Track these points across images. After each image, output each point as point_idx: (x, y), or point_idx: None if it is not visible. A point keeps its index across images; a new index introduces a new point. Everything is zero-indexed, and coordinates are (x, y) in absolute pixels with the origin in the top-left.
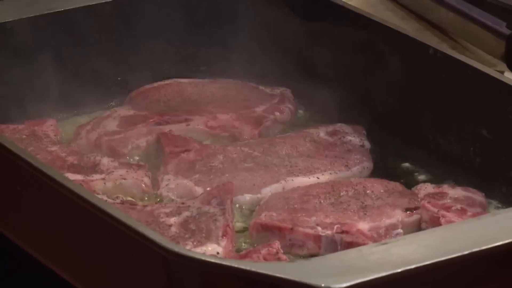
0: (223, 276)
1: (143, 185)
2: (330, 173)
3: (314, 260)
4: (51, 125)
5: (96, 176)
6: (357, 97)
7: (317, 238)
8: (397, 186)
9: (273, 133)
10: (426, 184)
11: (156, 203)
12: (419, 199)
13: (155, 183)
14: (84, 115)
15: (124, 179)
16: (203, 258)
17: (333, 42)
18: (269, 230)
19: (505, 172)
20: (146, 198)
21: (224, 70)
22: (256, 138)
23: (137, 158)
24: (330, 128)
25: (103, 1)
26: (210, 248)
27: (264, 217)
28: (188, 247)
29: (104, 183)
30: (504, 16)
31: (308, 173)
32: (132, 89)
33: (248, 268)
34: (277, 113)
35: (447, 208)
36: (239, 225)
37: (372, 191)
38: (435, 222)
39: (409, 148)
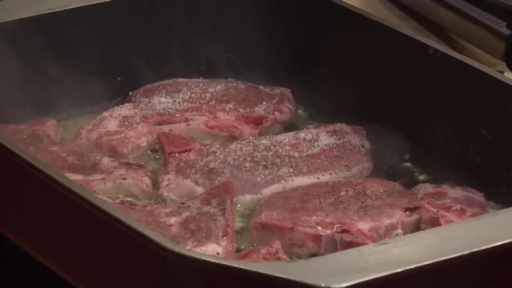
0: (223, 276)
1: (143, 185)
2: (330, 173)
3: (314, 260)
4: (52, 125)
5: (96, 176)
6: (357, 97)
7: (317, 238)
8: (396, 186)
9: (273, 133)
10: (426, 184)
11: (156, 203)
12: (419, 199)
13: (155, 183)
14: (84, 115)
15: (124, 179)
16: (203, 258)
17: (333, 42)
18: (269, 230)
19: (505, 172)
20: (146, 198)
21: (224, 70)
22: (256, 138)
23: (137, 158)
24: (330, 128)
25: (103, 1)
26: (210, 248)
27: (264, 217)
28: (188, 247)
29: (104, 183)
30: (504, 16)
31: (308, 173)
32: (133, 89)
33: (248, 268)
34: (277, 113)
35: (447, 208)
36: (239, 225)
37: (372, 191)
38: (434, 222)
39: (409, 148)
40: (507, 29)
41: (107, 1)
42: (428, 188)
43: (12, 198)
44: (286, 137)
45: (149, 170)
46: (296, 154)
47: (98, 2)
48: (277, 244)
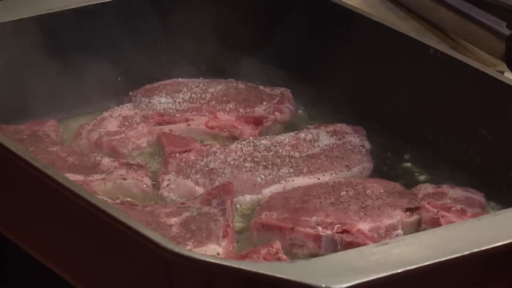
0: (223, 276)
1: (144, 185)
2: (331, 174)
3: (314, 260)
4: (52, 125)
5: (97, 176)
6: (357, 97)
7: (318, 238)
8: (396, 186)
9: (273, 133)
10: (426, 184)
11: (156, 203)
12: (419, 199)
13: (156, 183)
14: (84, 115)
15: (124, 179)
16: (203, 258)
17: (333, 42)
18: (269, 230)
19: (505, 172)
20: (146, 199)
21: (224, 70)
22: (256, 138)
23: (137, 158)
24: (330, 128)
25: (103, 1)
26: (210, 249)
27: (264, 217)
28: (188, 248)
29: (104, 183)
30: (504, 16)
31: (308, 173)
32: (132, 89)
33: (248, 268)
34: (277, 113)
35: (447, 209)
36: (239, 225)
37: (372, 191)
38: (435, 222)
39: (409, 148)
40: (507, 29)
41: (107, 1)
42: (428, 188)
43: (12, 198)
44: (286, 137)
45: (149, 170)
46: (297, 154)
47: (98, 2)
48: (277, 245)
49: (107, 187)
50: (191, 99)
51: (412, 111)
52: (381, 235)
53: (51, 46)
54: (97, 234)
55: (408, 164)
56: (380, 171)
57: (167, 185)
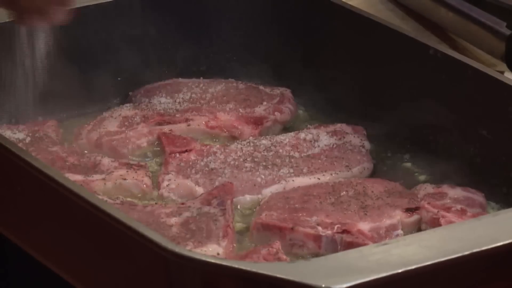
0: (223, 276)
1: (144, 185)
2: (331, 174)
3: (315, 260)
4: (52, 125)
5: (97, 177)
6: (357, 97)
7: (318, 238)
8: (397, 186)
9: (273, 133)
10: (426, 184)
11: (156, 203)
12: (419, 200)
13: (156, 183)
14: (85, 115)
15: (124, 179)
16: (203, 258)
17: (333, 42)
18: (269, 230)
19: (505, 173)
20: (146, 199)
21: (224, 70)
22: (257, 138)
23: (137, 158)
24: (330, 128)
25: (104, 1)
26: (210, 249)
27: (264, 217)
28: (188, 248)
29: (105, 184)
30: (504, 16)
31: (308, 173)
32: (133, 89)
33: (248, 268)
34: (277, 113)
35: (447, 209)
36: (239, 225)
37: (372, 191)
38: (435, 222)
39: (409, 148)
40: (507, 29)
41: (108, 2)
42: (429, 188)
43: (12, 198)
44: (287, 138)
45: (150, 171)
46: (297, 155)
47: (99, 2)
48: (277, 245)
49: (107, 187)
50: (191, 99)
51: (412, 111)
52: (381, 235)
53: (51, 46)
54: (97, 234)
55: (408, 164)
56: (380, 171)
57: (167, 185)
